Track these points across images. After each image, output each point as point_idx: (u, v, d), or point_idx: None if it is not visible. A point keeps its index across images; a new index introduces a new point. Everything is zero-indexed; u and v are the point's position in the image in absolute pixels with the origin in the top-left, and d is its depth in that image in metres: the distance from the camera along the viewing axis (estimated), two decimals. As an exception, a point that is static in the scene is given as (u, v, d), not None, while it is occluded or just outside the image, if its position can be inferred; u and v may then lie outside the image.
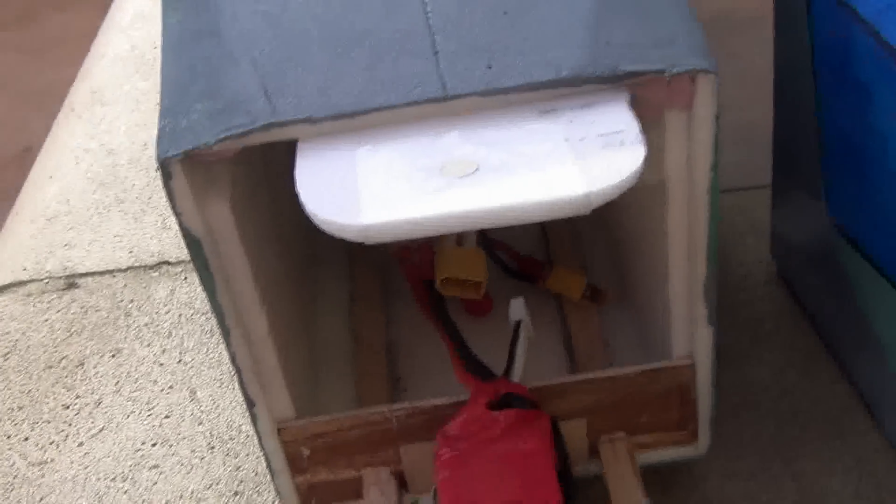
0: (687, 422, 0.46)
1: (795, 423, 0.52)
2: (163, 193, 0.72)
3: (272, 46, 0.38)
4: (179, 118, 0.37)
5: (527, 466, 0.39)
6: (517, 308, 0.44)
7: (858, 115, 0.44)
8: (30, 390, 0.61)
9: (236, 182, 0.38)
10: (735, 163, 0.69)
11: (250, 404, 0.43)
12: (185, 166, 0.36)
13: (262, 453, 0.45)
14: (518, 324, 0.44)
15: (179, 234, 0.68)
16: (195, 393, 0.59)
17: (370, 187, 0.33)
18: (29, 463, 0.57)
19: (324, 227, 0.33)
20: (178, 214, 0.37)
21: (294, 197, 0.35)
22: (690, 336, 0.43)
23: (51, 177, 0.78)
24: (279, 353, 0.42)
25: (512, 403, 0.41)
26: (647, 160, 0.34)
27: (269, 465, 0.45)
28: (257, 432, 0.44)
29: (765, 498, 0.49)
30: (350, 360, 0.50)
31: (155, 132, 0.38)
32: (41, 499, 0.55)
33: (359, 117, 0.36)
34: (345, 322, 0.47)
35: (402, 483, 0.46)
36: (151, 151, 0.78)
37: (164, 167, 0.36)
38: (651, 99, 0.37)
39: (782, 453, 0.51)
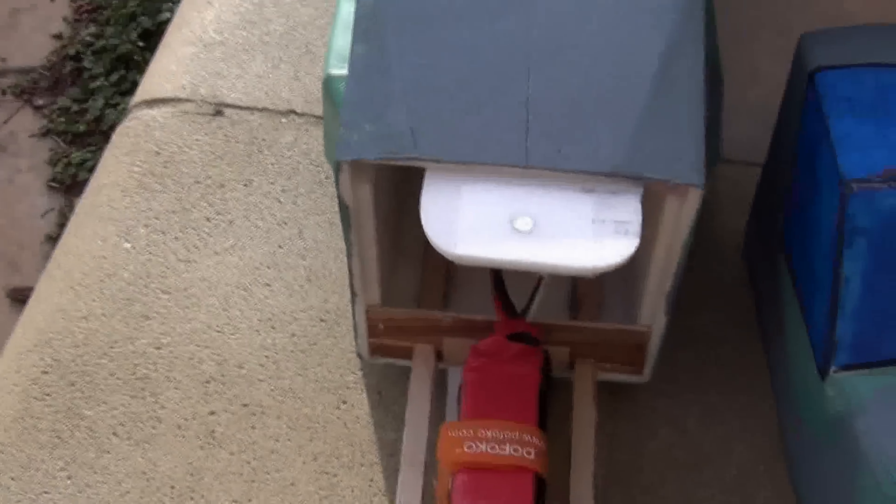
0: (638, 361, 0.67)
1: (717, 367, 0.73)
2: (297, 44, 0.90)
3: (421, 94, 0.56)
4: (353, 133, 0.56)
5: (519, 386, 0.61)
6: (543, 268, 0.64)
7: (813, 201, 0.63)
8: (181, 199, 0.82)
9: (376, 172, 0.58)
10: (747, 137, 0.86)
11: (353, 294, 0.64)
12: (350, 166, 0.56)
13: (353, 321, 0.67)
14: (541, 278, 0.64)
15: (307, 88, 0.87)
16: (302, 232, 0.80)
17: (465, 224, 0.53)
18: (178, 259, 0.79)
19: (433, 245, 0.53)
20: (339, 191, 0.57)
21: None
22: (653, 315, 0.64)
23: (209, 2, 0.96)
24: (379, 269, 0.63)
25: (523, 339, 0.63)
26: (638, 248, 0.53)
27: (355, 327, 0.67)
28: (354, 310, 0.65)
29: (679, 413, 0.71)
30: (419, 261, 0.71)
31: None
32: (185, 289, 0.77)
33: (468, 165, 0.55)
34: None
35: (439, 357, 0.68)
36: (291, -2, 0.95)
37: (338, 165, 0.56)
38: (659, 189, 0.56)
39: (700, 386, 0.72)
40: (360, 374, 0.72)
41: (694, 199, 0.56)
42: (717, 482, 0.68)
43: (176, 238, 0.80)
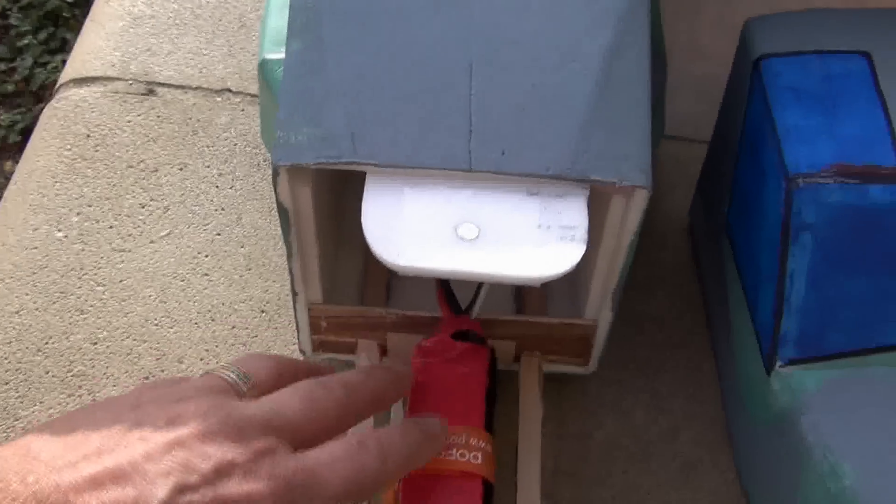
0: (584, 353, 0.67)
1: (664, 352, 0.73)
2: (231, 17, 0.87)
3: (361, 94, 0.54)
4: (290, 135, 0.54)
5: (465, 386, 0.60)
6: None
7: (755, 185, 0.63)
8: (114, 185, 0.80)
9: (315, 172, 0.56)
10: (693, 113, 0.85)
11: (294, 294, 0.63)
12: (288, 170, 0.54)
13: (294, 319, 0.65)
14: (485, 274, 0.63)
15: (242, 65, 0.85)
16: (241, 218, 0.78)
17: (408, 233, 0.52)
18: (112, 248, 0.77)
19: (376, 256, 0.52)
20: (277, 195, 0.55)
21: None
22: (598, 310, 0.63)
23: (137, -28, 0.93)
24: (320, 267, 0.61)
25: (468, 337, 0.62)
26: (584, 255, 0.52)
27: (297, 324, 0.66)
28: (295, 308, 0.64)
29: (626, 402, 0.71)
30: (361, 252, 0.69)
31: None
32: (121, 280, 0.75)
33: (409, 169, 0.53)
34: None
35: (383, 351, 0.67)
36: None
37: (275, 169, 0.54)
38: (604, 189, 0.55)
39: (648, 373, 0.72)
40: (303, 367, 0.71)
41: (640, 200, 0.55)
42: (663, 471, 0.68)
43: (110, 226, 0.77)
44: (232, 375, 0.50)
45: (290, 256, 0.60)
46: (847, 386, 0.59)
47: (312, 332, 0.66)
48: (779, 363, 0.60)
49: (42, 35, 1.80)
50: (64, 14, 1.81)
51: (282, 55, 0.67)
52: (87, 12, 1.87)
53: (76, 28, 1.74)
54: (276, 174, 0.54)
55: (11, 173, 1.68)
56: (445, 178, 0.54)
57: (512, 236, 0.52)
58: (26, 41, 1.80)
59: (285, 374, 0.52)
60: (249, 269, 0.76)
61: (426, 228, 0.52)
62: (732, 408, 0.67)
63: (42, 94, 1.76)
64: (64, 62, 1.74)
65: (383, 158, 0.53)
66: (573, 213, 0.53)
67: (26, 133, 1.75)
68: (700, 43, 0.90)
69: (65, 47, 1.79)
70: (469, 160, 0.53)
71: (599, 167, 0.54)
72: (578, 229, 0.53)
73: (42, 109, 1.79)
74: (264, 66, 0.70)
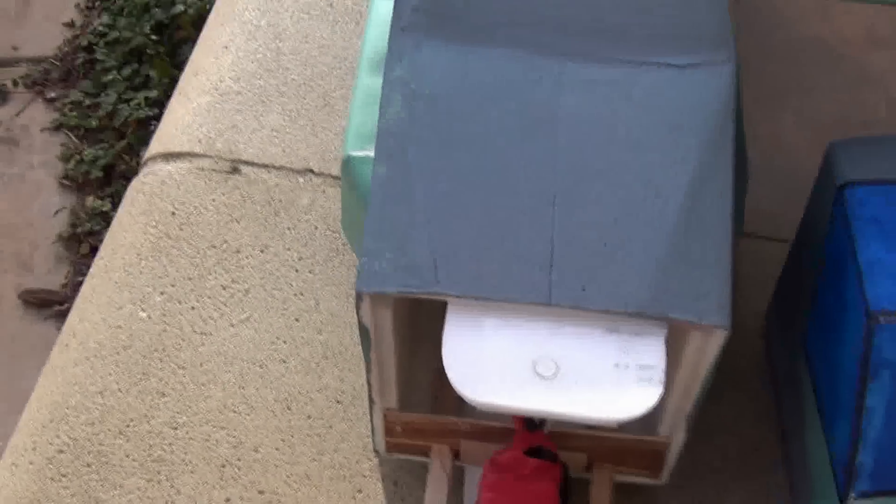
0: (656, 467, 0.67)
1: (734, 462, 0.73)
2: (315, 96, 0.89)
3: (444, 224, 0.55)
4: (374, 262, 0.55)
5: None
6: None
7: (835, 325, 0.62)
8: (197, 265, 0.82)
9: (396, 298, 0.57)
10: (772, 210, 0.85)
11: (371, 402, 0.64)
12: (371, 296, 0.55)
13: (370, 422, 0.66)
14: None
15: (324, 145, 0.86)
16: (319, 304, 0.80)
17: (488, 368, 0.53)
18: (193, 331, 0.79)
19: (456, 390, 0.52)
20: (359, 317, 0.56)
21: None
22: (671, 428, 0.64)
23: (225, 47, 0.95)
24: (397, 377, 0.62)
25: (541, 453, 0.62)
26: (662, 396, 0.53)
27: (372, 427, 0.67)
28: (371, 414, 0.65)
29: (694, 511, 0.71)
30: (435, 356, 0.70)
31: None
32: (201, 364, 0.77)
33: (490, 302, 0.54)
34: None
35: (456, 455, 0.67)
36: (311, 44, 0.94)
37: (359, 294, 0.55)
38: (684, 325, 0.55)
39: (718, 484, 0.72)
40: (375, 461, 0.72)
41: (719, 338, 0.55)
42: (731, 586, 0.68)
43: (192, 308, 0.79)
44: None
45: (369, 371, 0.61)
46: (922, 522, 0.59)
47: (387, 434, 0.67)
48: (853, 495, 0.60)
49: (126, 71, 1.84)
50: (148, 51, 1.84)
51: (365, 153, 0.68)
52: (171, 51, 1.89)
53: (160, 66, 1.77)
54: (359, 299, 0.55)
55: (93, 209, 1.72)
56: (525, 310, 0.54)
57: (589, 375, 0.53)
58: (111, 77, 1.84)
59: None
60: (326, 358, 0.77)
61: (505, 364, 0.53)
62: (804, 531, 0.67)
63: (124, 130, 1.79)
64: (147, 99, 1.78)
65: (465, 290, 0.54)
66: (651, 353, 0.54)
67: (107, 169, 1.78)
68: (780, 132, 0.90)
69: (148, 84, 1.83)
70: (549, 294, 0.54)
71: (679, 305, 0.54)
72: (656, 370, 0.53)
73: (123, 147, 1.82)
74: (348, 163, 0.71)
